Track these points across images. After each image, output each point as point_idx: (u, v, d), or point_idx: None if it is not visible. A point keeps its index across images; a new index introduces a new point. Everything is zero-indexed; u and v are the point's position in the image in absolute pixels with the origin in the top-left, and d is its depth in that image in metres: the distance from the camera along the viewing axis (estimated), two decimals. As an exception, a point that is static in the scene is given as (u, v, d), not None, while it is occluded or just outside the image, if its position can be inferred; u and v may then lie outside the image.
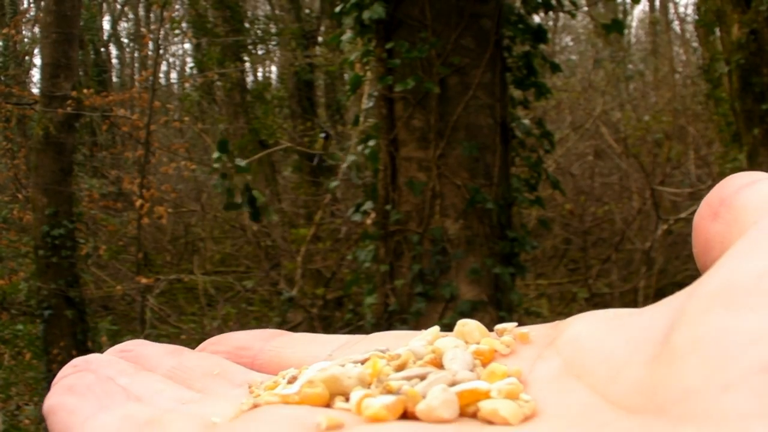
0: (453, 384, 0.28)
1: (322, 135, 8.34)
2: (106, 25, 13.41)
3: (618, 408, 0.24)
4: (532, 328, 0.33)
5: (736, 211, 0.28)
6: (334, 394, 0.29)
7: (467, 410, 0.27)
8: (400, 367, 0.30)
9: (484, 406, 0.26)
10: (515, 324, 0.34)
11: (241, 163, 4.13)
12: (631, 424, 0.23)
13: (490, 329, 0.34)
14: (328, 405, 0.29)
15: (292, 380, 0.32)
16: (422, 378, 0.28)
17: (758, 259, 0.24)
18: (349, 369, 0.30)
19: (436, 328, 0.34)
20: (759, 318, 0.22)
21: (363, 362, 0.32)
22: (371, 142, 4.19)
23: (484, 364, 0.30)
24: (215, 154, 4.05)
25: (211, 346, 0.43)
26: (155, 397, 0.36)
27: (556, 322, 0.33)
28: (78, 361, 0.39)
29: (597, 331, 0.29)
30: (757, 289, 0.23)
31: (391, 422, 0.26)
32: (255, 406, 0.30)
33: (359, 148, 4.40)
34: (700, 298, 0.24)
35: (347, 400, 0.29)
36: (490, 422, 0.26)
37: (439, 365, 0.30)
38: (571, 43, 15.23)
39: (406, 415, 0.27)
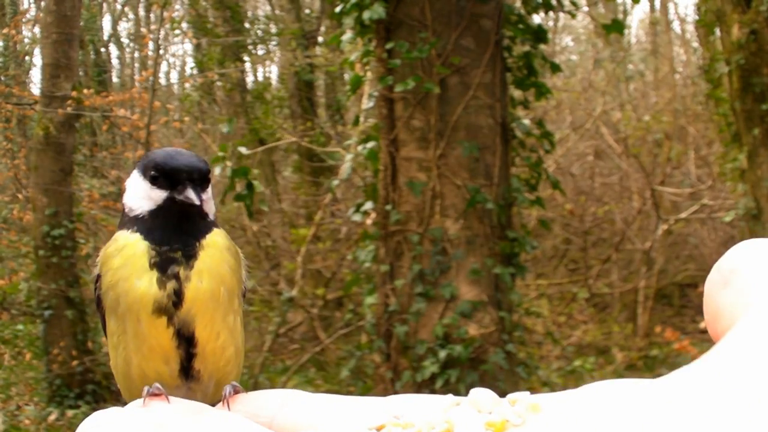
0: None
1: None
2: (106, 25, 13.40)
3: None
4: (542, 397, 0.34)
5: (744, 280, 0.29)
6: None
7: None
8: None
9: None
10: (527, 393, 0.35)
11: (244, 150, 4.15)
12: None
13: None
14: None
15: None
16: None
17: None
18: None
19: (450, 398, 0.35)
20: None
21: (378, 429, 0.33)
22: (370, 143, 4.19)
23: None
24: (221, 145, 4.07)
25: (232, 406, 0.44)
26: None
27: (567, 392, 0.34)
28: (100, 419, 0.40)
29: (600, 403, 0.31)
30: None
31: None
32: None
33: (359, 148, 4.40)
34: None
35: None
36: None
37: None
38: (571, 43, 15.23)
39: None
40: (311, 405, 0.43)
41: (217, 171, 4.03)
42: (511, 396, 0.34)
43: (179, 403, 0.44)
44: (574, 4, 4.42)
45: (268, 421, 0.42)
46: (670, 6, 14.11)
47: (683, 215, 8.19)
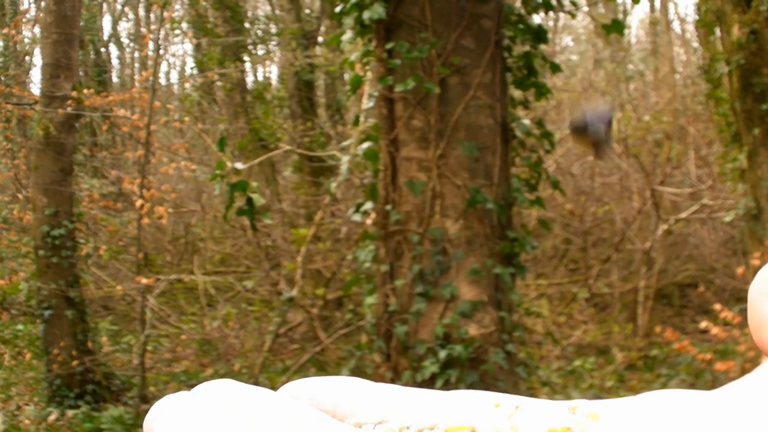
0: None
1: None
2: (106, 25, 13.42)
3: None
4: (600, 405, 0.35)
5: None
6: None
7: None
8: None
9: None
10: (585, 401, 0.36)
11: (239, 165, 4.13)
12: None
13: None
14: None
15: None
16: None
17: None
18: None
19: (514, 402, 0.36)
20: None
21: None
22: (366, 144, 4.19)
23: None
24: (218, 163, 4.06)
25: (295, 392, 0.45)
26: None
27: (625, 399, 0.35)
28: (168, 401, 0.41)
29: (660, 412, 0.31)
30: None
31: None
32: None
33: (359, 148, 4.40)
34: None
35: None
36: None
37: None
38: (571, 43, 15.23)
39: None
40: (373, 395, 0.43)
41: (216, 190, 4.03)
42: (570, 403, 0.36)
43: (244, 388, 0.45)
44: (574, 4, 4.42)
45: (331, 409, 0.43)
46: (670, 6, 14.12)
47: (683, 215, 8.19)
